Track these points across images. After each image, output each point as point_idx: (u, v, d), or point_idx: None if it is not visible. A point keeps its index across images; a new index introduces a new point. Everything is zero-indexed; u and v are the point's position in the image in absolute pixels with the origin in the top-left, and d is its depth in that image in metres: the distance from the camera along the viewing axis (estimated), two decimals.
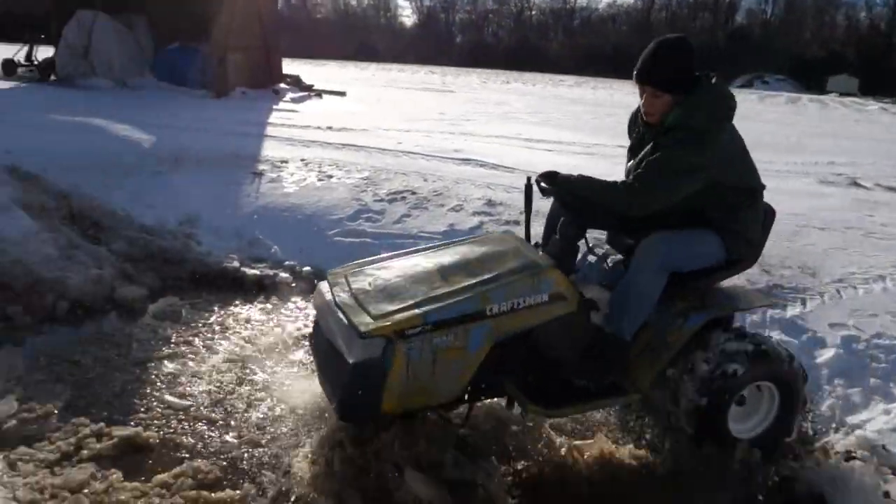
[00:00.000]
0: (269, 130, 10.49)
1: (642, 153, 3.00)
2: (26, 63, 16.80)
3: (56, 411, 3.29)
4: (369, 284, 2.97)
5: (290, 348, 4.13)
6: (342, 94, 18.65)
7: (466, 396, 2.96)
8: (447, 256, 3.15)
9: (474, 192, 6.80)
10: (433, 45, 71.98)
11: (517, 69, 54.47)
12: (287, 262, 5.46)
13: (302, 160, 7.90)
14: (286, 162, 7.77)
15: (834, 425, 3.48)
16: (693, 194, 2.85)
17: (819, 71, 54.65)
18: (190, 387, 3.66)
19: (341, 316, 2.77)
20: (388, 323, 2.67)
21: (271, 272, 5.27)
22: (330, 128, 11.17)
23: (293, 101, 16.14)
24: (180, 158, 7.55)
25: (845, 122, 22.89)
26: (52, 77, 15.24)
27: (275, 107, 14.32)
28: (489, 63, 60.37)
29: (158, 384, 3.67)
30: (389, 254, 3.39)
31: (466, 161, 8.58)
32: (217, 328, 4.47)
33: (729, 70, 58.14)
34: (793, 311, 4.50)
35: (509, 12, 79.95)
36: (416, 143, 9.87)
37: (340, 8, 78.80)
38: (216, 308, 4.77)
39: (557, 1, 77.62)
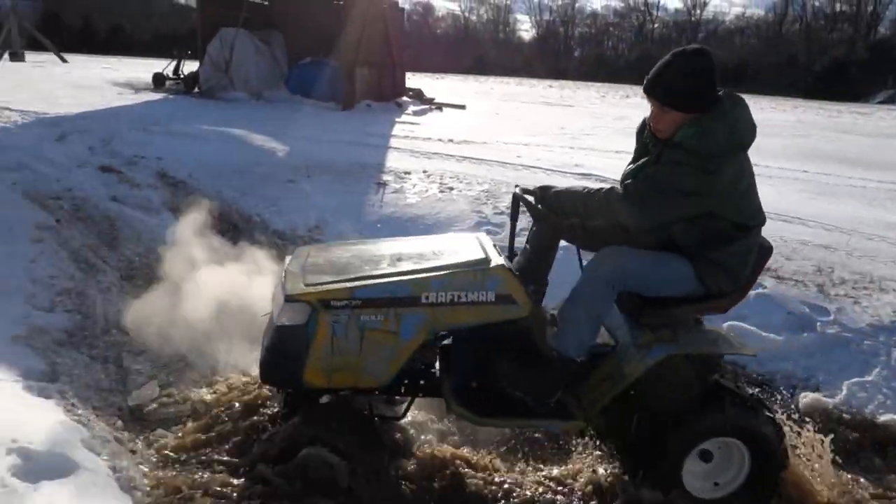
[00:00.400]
0: (393, 142, 10.81)
1: (643, 161, 2.82)
2: (173, 77, 18.15)
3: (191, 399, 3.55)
4: (323, 260, 3.02)
5: None
6: (462, 107, 18.93)
7: (403, 389, 2.94)
8: (411, 245, 3.14)
9: None
10: (551, 59, 71.69)
11: (637, 83, 53.21)
12: None
13: (424, 172, 8.09)
14: (409, 173, 7.99)
15: None
16: (680, 218, 2.69)
17: None
18: None
19: (282, 282, 2.84)
20: (314, 290, 2.69)
21: None
22: (451, 140, 11.38)
23: (415, 113, 16.55)
24: (310, 167, 7.93)
25: None
26: (196, 90, 16.38)
27: (397, 119, 14.75)
28: (608, 77, 59.39)
29: None
30: (366, 238, 3.47)
31: (587, 176, 8.49)
32: None
33: (870, 85, 54.47)
34: None
35: (630, 26, 78.45)
36: (536, 157, 9.88)
37: (461, 23, 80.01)
38: None
39: (682, 13, 75.42)
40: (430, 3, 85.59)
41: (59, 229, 5.04)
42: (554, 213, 2.85)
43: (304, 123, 11.94)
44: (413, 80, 23.08)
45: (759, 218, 2.75)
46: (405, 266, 2.84)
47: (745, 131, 2.63)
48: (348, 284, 2.73)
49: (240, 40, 15.65)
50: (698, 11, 74.77)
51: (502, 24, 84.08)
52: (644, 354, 2.76)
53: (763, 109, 26.93)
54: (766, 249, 2.86)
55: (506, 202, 6.87)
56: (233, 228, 6.10)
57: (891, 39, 65.61)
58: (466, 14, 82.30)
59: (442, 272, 2.75)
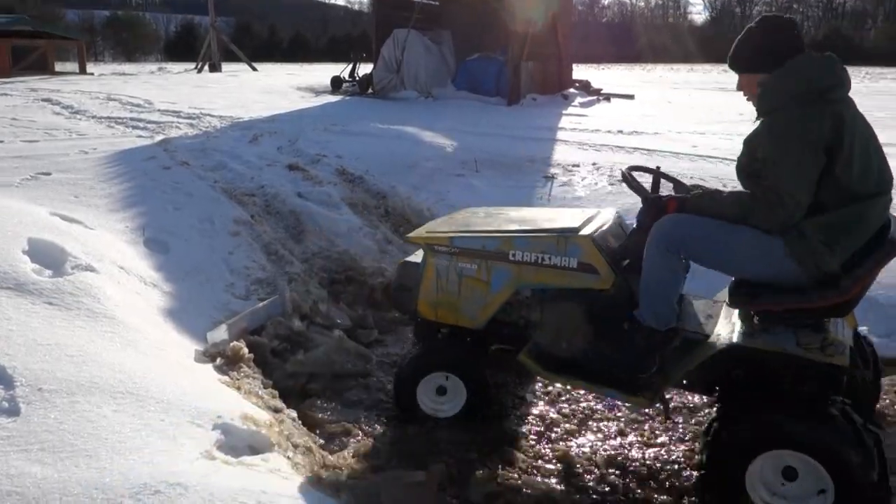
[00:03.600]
0: (560, 135, 10.67)
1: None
2: (349, 79, 19.17)
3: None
4: (462, 216, 3.52)
5: None
6: (630, 97, 18.32)
7: (499, 336, 3.23)
8: (537, 212, 3.47)
9: None
10: (726, 42, 67.44)
11: None
12: None
13: (593, 164, 7.90)
14: (577, 166, 7.84)
15: None
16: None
17: None
18: None
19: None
20: (426, 236, 3.23)
21: None
22: (620, 132, 11.04)
23: (582, 105, 16.24)
24: (478, 161, 8.02)
25: None
26: (370, 90, 17.18)
27: (564, 112, 14.54)
28: None
29: None
30: (518, 206, 3.87)
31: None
32: None
33: None
34: None
35: (817, 1, 71.86)
36: (713, 146, 9.31)
37: (627, 10, 77.47)
38: None
39: None
40: None
41: (252, 224, 5.49)
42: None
43: (470, 119, 12.11)
44: (579, 71, 22.65)
45: (872, 184, 2.44)
46: (511, 227, 3.12)
47: (812, 78, 2.46)
48: (450, 234, 3.16)
49: (410, 40, 16.20)
50: None
51: (672, 7, 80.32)
52: (713, 341, 2.66)
53: None
54: (890, 242, 2.45)
55: None
56: (406, 222, 6.31)
57: None
58: (633, 0, 79.42)
59: (528, 234, 3.00)
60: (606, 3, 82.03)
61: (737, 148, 8.55)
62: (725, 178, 6.99)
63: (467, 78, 16.14)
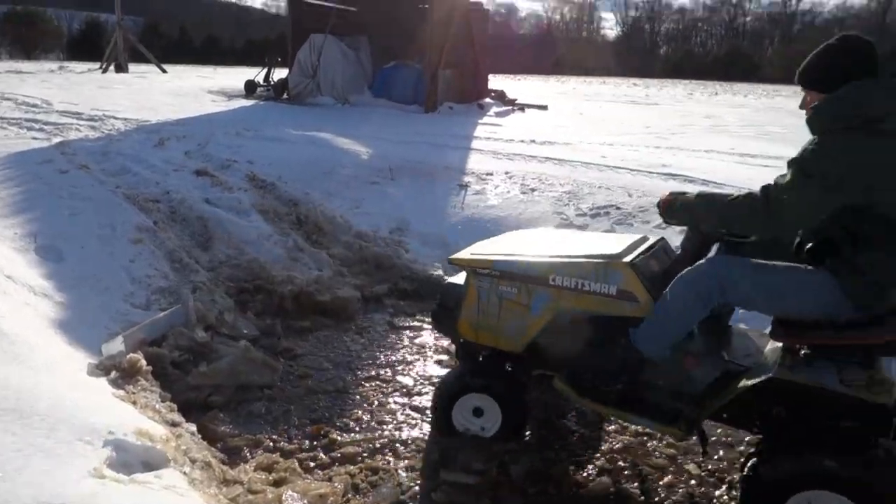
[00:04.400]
0: (475, 144, 10.80)
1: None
2: (264, 83, 18.80)
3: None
4: (509, 238, 3.59)
5: None
6: (544, 107, 18.75)
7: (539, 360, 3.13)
8: (581, 237, 3.54)
9: None
10: (636, 57, 70.11)
11: (726, 80, 51.37)
12: None
13: (506, 173, 8.04)
14: (491, 174, 7.95)
15: None
16: (823, 220, 2.39)
17: None
18: (401, 397, 3.85)
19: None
20: (468, 258, 3.22)
21: None
22: (533, 141, 11.27)
23: (497, 115, 16.50)
24: (393, 169, 8.02)
25: None
26: (285, 96, 16.90)
27: (480, 121, 14.74)
28: (695, 74, 57.55)
29: (373, 391, 3.91)
30: (559, 228, 3.76)
31: (674, 176, 8.21)
32: (423, 335, 4.68)
33: None
34: None
35: (720, 20, 75.79)
36: (621, 157, 9.65)
37: (543, 23, 79.40)
38: (420, 314, 5.00)
39: (776, 6, 72.25)
40: (514, 3, 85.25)
41: (156, 231, 5.29)
42: (682, 220, 2.80)
43: (387, 126, 12.11)
44: (495, 81, 23.03)
45: None
46: (554, 251, 3.11)
47: (874, 107, 2.33)
48: (492, 258, 3.14)
49: (327, 46, 16.05)
50: (794, 2, 71.43)
51: (586, 22, 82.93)
52: (752, 374, 2.56)
53: None
54: None
55: (588, 203, 6.74)
56: (318, 230, 6.23)
57: None
58: (549, 14, 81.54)
59: (569, 259, 2.98)
60: (524, 15, 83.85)
61: (643, 159, 8.85)
62: (631, 189, 7.26)
63: (385, 85, 16.14)
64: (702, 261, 2.67)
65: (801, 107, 2.59)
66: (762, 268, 2.52)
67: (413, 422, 3.52)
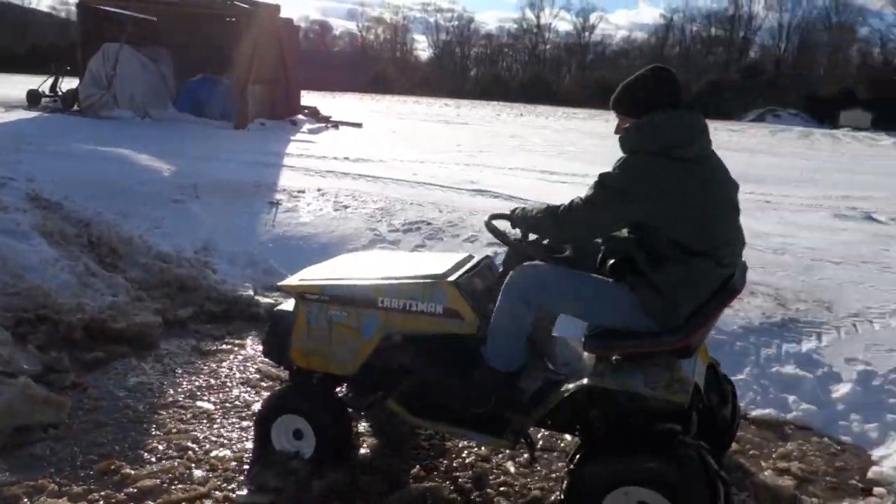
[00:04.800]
0: (287, 161, 10.63)
1: None
2: (50, 94, 17.17)
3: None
4: (338, 262, 3.55)
5: None
6: (358, 125, 18.89)
7: (372, 383, 3.18)
8: (409, 258, 3.61)
9: None
10: (448, 79, 72.88)
11: (530, 102, 54.96)
12: None
13: (318, 190, 7.99)
14: (303, 192, 7.86)
15: (850, 461, 3.44)
16: (623, 237, 2.67)
17: (832, 106, 54.60)
18: (201, 423, 3.68)
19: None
20: (296, 283, 3.21)
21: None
22: (346, 158, 11.31)
23: (310, 132, 16.35)
24: (199, 187, 7.66)
25: (858, 156, 22.81)
26: (76, 107, 15.54)
27: (292, 138, 14.52)
28: (503, 96, 60.97)
29: (170, 418, 3.69)
30: (391, 249, 3.69)
31: (482, 192, 8.64)
32: (230, 358, 4.50)
33: (742, 104, 58.55)
34: (808, 345, 4.47)
35: (524, 46, 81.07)
36: (431, 174, 9.97)
37: (357, 41, 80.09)
38: (229, 337, 4.81)
39: (572, 36, 78.72)
40: (328, 21, 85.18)
41: None
42: (521, 233, 2.94)
43: (193, 142, 11.55)
44: (309, 98, 22.83)
45: (713, 246, 2.54)
46: (382, 273, 3.15)
47: (670, 136, 2.52)
48: (321, 283, 3.14)
49: (124, 56, 14.99)
50: (587, 34, 78.22)
51: (399, 43, 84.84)
52: (569, 382, 2.70)
53: None
54: (730, 292, 2.62)
55: (400, 219, 6.89)
56: (112, 253, 5.79)
57: (760, 63, 70.98)
58: (363, 33, 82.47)
59: (397, 281, 3.03)
60: (338, 32, 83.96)
61: (453, 176, 9.21)
62: (441, 204, 7.53)
63: (191, 99, 15.40)
64: (518, 267, 2.80)
65: (616, 131, 2.76)
66: (574, 276, 2.73)
67: (214, 447, 3.36)
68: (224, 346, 4.67)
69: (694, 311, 2.54)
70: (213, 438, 3.44)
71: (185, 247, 6.13)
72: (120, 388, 3.96)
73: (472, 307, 2.87)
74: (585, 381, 2.61)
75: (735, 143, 22.70)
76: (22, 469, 3.09)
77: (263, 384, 4.06)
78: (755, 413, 3.88)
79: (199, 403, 3.82)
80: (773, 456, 3.49)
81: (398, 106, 39.04)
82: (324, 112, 19.68)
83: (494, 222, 3.10)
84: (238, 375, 4.23)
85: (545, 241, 2.98)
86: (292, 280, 3.29)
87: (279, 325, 3.27)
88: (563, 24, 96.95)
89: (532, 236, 2.99)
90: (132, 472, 3.08)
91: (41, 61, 29.12)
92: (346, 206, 7.32)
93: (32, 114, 14.80)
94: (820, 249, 6.82)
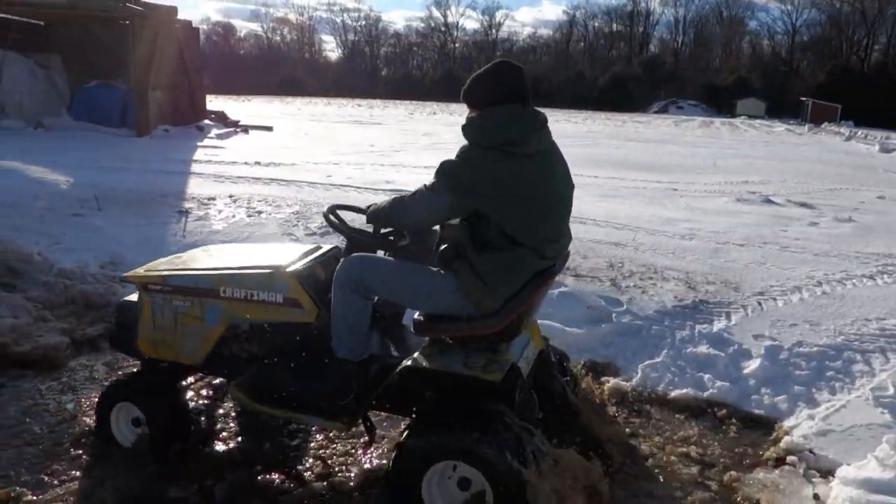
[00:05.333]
0: (195, 168, 10.27)
1: None
2: None
3: None
4: (188, 256, 3.52)
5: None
6: (269, 129, 18.48)
7: (221, 372, 3.28)
8: (259, 250, 3.62)
9: None
10: (359, 79, 72.37)
11: (443, 100, 55.25)
12: None
13: (230, 196, 7.75)
14: (213, 199, 7.61)
15: (764, 433, 3.60)
16: (456, 224, 2.71)
17: (729, 95, 57.60)
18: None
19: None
20: (141, 274, 3.25)
21: None
22: (258, 163, 11.03)
23: (219, 137, 15.87)
24: (101, 199, 7.29)
25: (755, 143, 24.11)
26: None
27: (199, 144, 14.05)
28: (415, 95, 61.07)
29: (63, 439, 3.49)
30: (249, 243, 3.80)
31: (399, 191, 8.59)
32: None
33: (646, 96, 60.88)
34: (719, 324, 4.66)
35: (433, 45, 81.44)
36: (346, 175, 9.85)
37: (264, 44, 78.34)
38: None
39: (479, 34, 79.66)
40: (231, 23, 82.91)
41: None
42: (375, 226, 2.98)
43: (92, 152, 10.99)
44: (215, 102, 22.15)
45: (538, 240, 2.64)
46: (226, 264, 3.19)
47: (505, 131, 2.58)
48: (163, 273, 3.18)
49: (9, 63, 14.10)
50: (494, 31, 79.33)
51: (307, 44, 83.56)
52: (399, 366, 2.75)
53: (558, 121, 29.05)
54: (546, 274, 2.75)
55: (317, 222, 6.77)
56: (9, 272, 5.42)
57: (660, 56, 74.02)
58: (269, 35, 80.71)
59: (238, 271, 3.08)
60: (242, 34, 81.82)
61: (367, 177, 9.15)
62: (358, 205, 7.42)
63: (87, 107, 14.64)
64: (345, 259, 2.85)
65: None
66: (399, 265, 2.84)
67: (118, 461, 3.18)
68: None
69: (510, 297, 2.64)
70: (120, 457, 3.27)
71: (90, 262, 5.81)
72: (21, 413, 3.71)
73: (311, 297, 2.94)
74: (408, 362, 2.70)
75: (642, 135, 23.58)
76: None
77: None
78: (674, 394, 4.00)
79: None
80: (684, 436, 3.62)
81: (309, 108, 38.43)
82: (232, 116, 19.14)
83: (331, 216, 3.14)
84: None
85: (389, 231, 3.08)
86: (138, 271, 3.30)
87: (126, 316, 3.31)
88: (470, 22, 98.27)
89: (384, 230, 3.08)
90: (32, 497, 2.89)
91: None
92: (259, 212, 7.14)
93: None
94: (724, 233, 7.15)
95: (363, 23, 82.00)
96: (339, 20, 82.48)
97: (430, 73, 77.32)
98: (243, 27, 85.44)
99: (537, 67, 68.03)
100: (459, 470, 2.61)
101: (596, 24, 77.28)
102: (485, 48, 79.13)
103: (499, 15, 79.40)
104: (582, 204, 8.26)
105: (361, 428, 3.01)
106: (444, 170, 2.60)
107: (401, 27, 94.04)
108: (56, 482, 3.03)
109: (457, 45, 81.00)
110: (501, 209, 2.57)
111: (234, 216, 7.02)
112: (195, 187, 8.38)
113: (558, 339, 4.27)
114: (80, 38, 14.92)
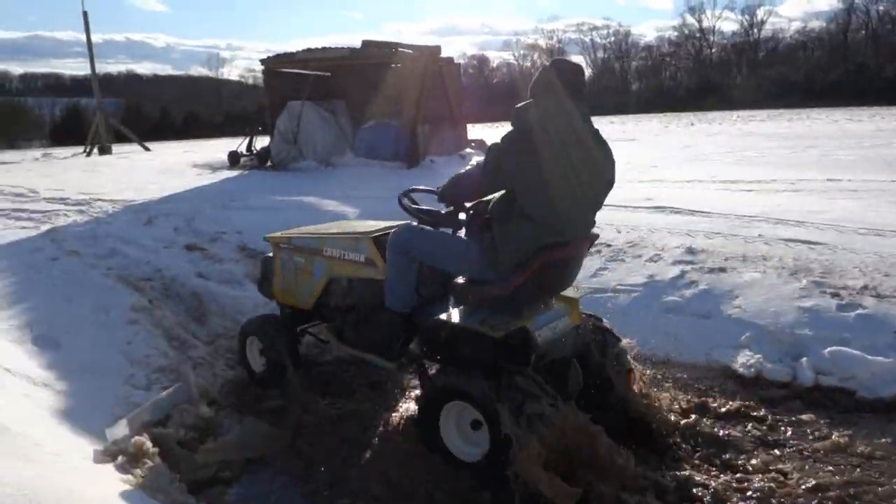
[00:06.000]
0: None
1: None
2: (247, 153, 19.00)
3: None
4: (318, 226, 4.46)
5: None
6: None
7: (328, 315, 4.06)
8: (363, 224, 4.33)
9: (671, 240, 6.56)
10: (610, 95, 71.49)
11: (698, 110, 52.32)
12: None
13: None
14: None
15: None
16: (488, 199, 3.19)
17: None
18: None
19: None
20: (276, 235, 4.29)
21: None
22: None
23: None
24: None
25: None
26: (269, 163, 17.07)
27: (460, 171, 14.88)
28: (669, 107, 58.65)
29: None
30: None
31: (660, 209, 8.32)
32: None
33: None
34: None
35: (687, 53, 77.67)
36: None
37: (515, 71, 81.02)
38: None
39: (739, 35, 74.21)
40: (485, 55, 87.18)
41: (151, 309, 5.28)
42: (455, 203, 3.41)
43: (371, 184, 12.23)
44: (474, 131, 23.39)
45: (548, 219, 2.93)
46: (335, 231, 4.06)
47: (543, 119, 2.93)
48: (290, 235, 4.18)
49: (306, 112, 16.31)
50: (756, 31, 73.35)
51: None
52: (432, 321, 3.25)
53: (838, 121, 25.90)
54: (557, 245, 3.00)
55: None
56: None
57: None
58: (520, 61, 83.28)
59: (336, 235, 3.93)
60: (495, 64, 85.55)
61: (625, 195, 8.86)
62: (618, 224, 7.32)
63: (366, 145, 16.36)
64: (395, 228, 3.51)
65: None
66: (438, 234, 3.38)
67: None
68: None
69: (518, 265, 2.98)
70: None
71: None
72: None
73: (385, 258, 3.54)
74: (441, 317, 3.19)
75: None
76: (252, 499, 3.36)
77: None
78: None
79: None
80: None
81: None
82: (489, 143, 20.04)
83: (404, 200, 3.68)
84: None
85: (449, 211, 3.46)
86: (275, 233, 4.29)
87: (267, 269, 4.37)
88: (728, 24, 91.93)
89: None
90: None
91: (236, 125, 32.48)
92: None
93: (234, 172, 16.43)
94: None
95: (612, 38, 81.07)
96: (587, 39, 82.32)
97: (684, 82, 73.77)
98: (496, 57, 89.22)
99: (808, 64, 61.46)
100: (471, 412, 3.07)
101: (881, 9, 67.72)
102: (745, 49, 73.38)
103: (760, 12, 72.90)
104: (878, 214, 7.26)
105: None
106: (491, 149, 3.02)
107: (651, 38, 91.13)
108: None
109: (713, 49, 76.30)
110: (527, 190, 2.92)
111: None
112: None
113: (858, 369, 3.81)
114: (359, 84, 16.76)
